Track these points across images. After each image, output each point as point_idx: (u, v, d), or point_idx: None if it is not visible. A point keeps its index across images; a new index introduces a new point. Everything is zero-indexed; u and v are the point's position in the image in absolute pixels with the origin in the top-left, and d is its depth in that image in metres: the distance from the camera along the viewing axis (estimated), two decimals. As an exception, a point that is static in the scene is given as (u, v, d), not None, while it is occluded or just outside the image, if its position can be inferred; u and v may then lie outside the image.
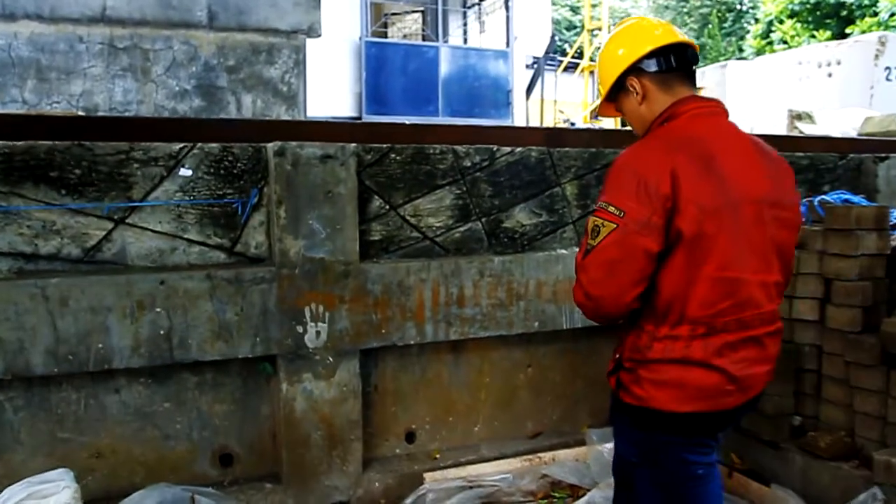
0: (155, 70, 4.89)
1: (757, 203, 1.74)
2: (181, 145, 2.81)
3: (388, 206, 3.14)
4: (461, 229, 3.29)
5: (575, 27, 29.05)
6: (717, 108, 1.85)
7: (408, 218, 3.18)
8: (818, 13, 21.44)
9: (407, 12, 13.12)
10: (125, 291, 2.68)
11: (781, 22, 22.91)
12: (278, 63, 5.16)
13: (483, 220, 3.32)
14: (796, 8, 22.09)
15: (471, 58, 12.05)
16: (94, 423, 2.79)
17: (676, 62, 1.85)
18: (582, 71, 15.79)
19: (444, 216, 3.25)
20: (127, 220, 2.78)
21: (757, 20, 27.09)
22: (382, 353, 3.17)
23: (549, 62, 13.63)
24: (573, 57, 16.67)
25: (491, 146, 3.29)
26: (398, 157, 3.13)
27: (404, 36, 13.34)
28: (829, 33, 20.27)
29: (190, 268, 2.84)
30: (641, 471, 1.85)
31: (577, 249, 1.81)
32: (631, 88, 1.89)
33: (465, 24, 13.38)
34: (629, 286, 1.68)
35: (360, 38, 11.33)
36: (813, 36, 20.79)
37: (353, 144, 2.95)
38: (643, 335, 1.77)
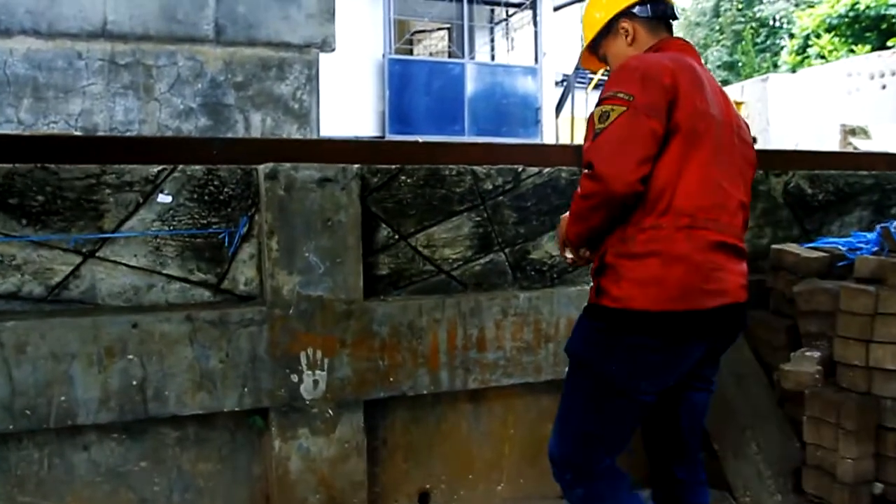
0: (158, 87, 4.60)
1: (731, 127, 1.93)
2: (159, 168, 2.46)
3: (397, 236, 2.75)
4: (481, 261, 2.89)
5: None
6: (692, 47, 2.05)
7: (420, 249, 2.79)
8: (857, 26, 20.82)
9: (432, 30, 12.84)
10: (92, 336, 2.32)
11: (819, 37, 22.37)
12: (289, 79, 4.84)
13: (507, 250, 2.92)
14: (834, 22, 21.52)
15: (498, 75, 11.71)
16: (59, 486, 2.43)
17: (663, 11, 2.07)
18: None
19: (462, 247, 2.85)
20: (97, 254, 2.43)
21: (792, 36, 26.51)
22: (391, 403, 2.77)
23: (579, 79, 13.23)
24: (603, 74, 16.25)
25: (515, 166, 2.90)
26: (409, 180, 2.75)
27: (430, 54, 13.06)
28: (868, 47, 19.65)
29: (169, 308, 2.48)
30: (587, 375, 1.92)
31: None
32: (622, 31, 2.07)
33: (492, 41, 13.04)
34: (636, 164, 1.75)
35: (384, 56, 11.05)
36: (852, 51, 20.20)
37: (357, 166, 2.58)
38: (628, 227, 1.82)
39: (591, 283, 1.96)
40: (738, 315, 1.98)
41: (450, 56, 12.43)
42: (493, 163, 2.88)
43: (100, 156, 2.45)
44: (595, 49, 2.17)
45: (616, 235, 1.85)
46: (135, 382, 2.37)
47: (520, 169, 2.91)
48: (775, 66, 26.25)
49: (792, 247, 3.14)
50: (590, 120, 1.88)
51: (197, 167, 2.51)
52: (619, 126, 1.77)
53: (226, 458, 2.61)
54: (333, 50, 4.99)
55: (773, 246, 3.20)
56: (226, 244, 2.55)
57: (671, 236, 1.79)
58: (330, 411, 2.58)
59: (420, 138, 3.14)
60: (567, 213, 2.01)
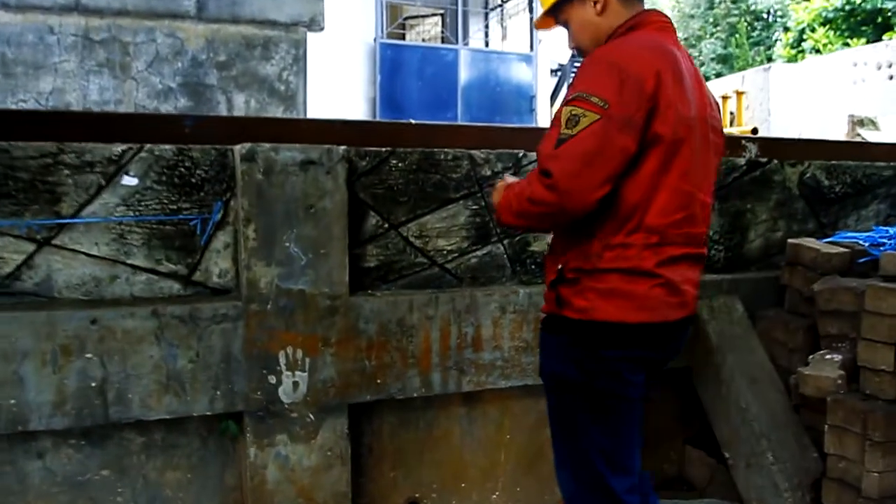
0: (135, 66, 4.34)
1: (706, 122, 1.79)
2: (124, 147, 2.22)
3: (386, 225, 2.52)
4: (478, 253, 2.66)
5: (599, 35, 28.31)
6: (671, 25, 1.85)
7: (412, 239, 2.56)
8: (853, 20, 20.69)
9: (425, 15, 12.56)
10: (45, 333, 2.09)
11: (814, 30, 22.26)
12: (275, 59, 4.58)
13: (505, 242, 2.69)
14: (830, 15, 21.41)
15: (492, 61, 11.44)
16: (10, 496, 2.20)
17: None
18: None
19: (458, 237, 2.62)
20: (54, 242, 2.19)
21: (787, 29, 26.39)
22: (378, 407, 2.55)
23: (574, 67, 12.98)
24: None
25: (516, 151, 2.67)
26: (400, 164, 2.51)
27: (423, 41, 12.78)
28: (864, 41, 19.52)
29: (133, 302, 2.24)
30: (574, 392, 1.79)
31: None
32: None
33: (486, 27, 12.77)
34: (600, 183, 1.61)
35: (375, 40, 10.76)
36: (847, 44, 20.08)
37: (343, 147, 2.35)
38: (594, 243, 1.71)
39: (546, 291, 1.84)
40: (689, 326, 1.92)
41: (443, 42, 12.15)
42: (492, 147, 2.65)
43: (58, 133, 2.20)
44: (556, 12, 1.91)
45: (579, 250, 1.74)
46: (94, 384, 2.14)
47: (521, 154, 2.68)
48: (769, 59, 26.05)
49: (810, 241, 2.93)
50: (556, 118, 1.68)
51: (166, 147, 2.27)
52: (587, 138, 1.59)
53: (196, 466, 2.39)
54: (322, 29, 4.74)
55: (790, 240, 2.99)
56: (198, 232, 2.31)
57: (639, 254, 1.70)
58: (311, 416, 2.36)
59: (413, 120, 2.90)
60: (506, 181, 1.89)
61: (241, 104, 4.50)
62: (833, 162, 3.31)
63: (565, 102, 1.67)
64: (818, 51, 21.06)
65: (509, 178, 1.94)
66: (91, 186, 2.20)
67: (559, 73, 13.14)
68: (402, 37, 12.41)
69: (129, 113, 3.85)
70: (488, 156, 2.62)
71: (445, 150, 2.56)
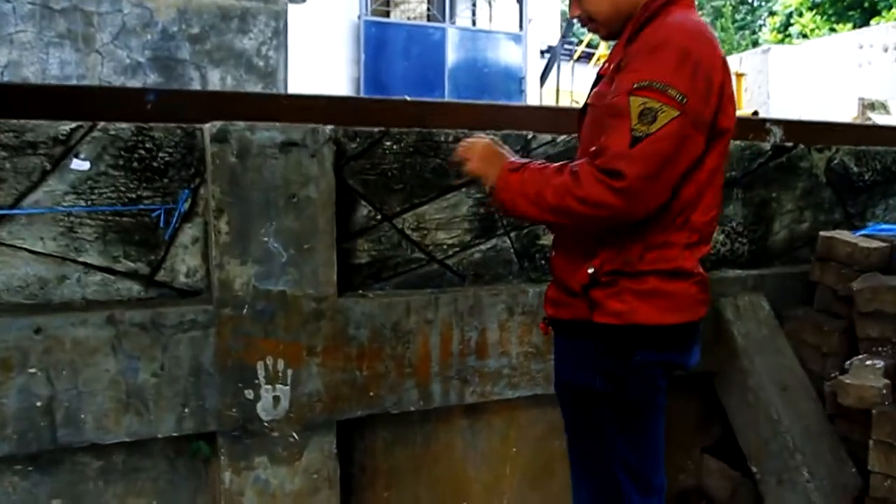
0: (100, 38, 3.96)
1: None
2: (73, 125, 1.90)
3: (379, 216, 2.22)
4: (482, 248, 2.37)
5: (584, 18, 28.07)
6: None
7: (408, 232, 2.26)
8: (840, 4, 20.56)
9: (411, -7, 12.15)
10: (-21, 344, 1.77)
11: (801, 14, 22.14)
12: (253, 32, 4.22)
13: (513, 234, 2.40)
14: (817, 0, 21.29)
15: (480, 41, 11.07)
16: (-56, 532, 1.89)
17: None
18: (598, 60, 14.80)
19: (460, 230, 2.33)
20: (-10, 236, 1.87)
21: (772, 13, 26.27)
22: (371, 422, 2.26)
23: (564, 48, 12.64)
24: (587, 46, 15.70)
25: (524, 133, 2.37)
26: (395, 147, 2.21)
27: (408, 19, 12.37)
28: (850, 25, 19.39)
29: (85, 307, 1.93)
30: (601, 403, 1.63)
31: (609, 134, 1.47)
32: None
33: (473, 5, 12.36)
34: (669, 187, 1.48)
35: (359, 17, 10.35)
36: (833, 29, 19.98)
37: (330, 127, 2.04)
38: (633, 243, 1.55)
39: (565, 295, 1.67)
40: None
41: (429, 20, 11.76)
42: (497, 128, 2.35)
43: (-8, 107, 1.87)
44: None
45: (614, 250, 1.58)
46: (39, 403, 1.83)
47: (529, 136, 2.38)
48: (755, 43, 25.91)
49: (844, 235, 2.67)
50: (619, 107, 1.47)
51: (123, 125, 1.94)
52: (666, 137, 1.43)
53: (163, 492, 2.09)
54: (304, 0, 4.38)
55: (822, 234, 2.72)
56: (161, 225, 1.99)
57: (680, 254, 1.59)
58: (294, 435, 2.06)
59: (409, 97, 2.59)
60: (483, 141, 1.68)
61: (217, 80, 4.15)
62: (862, 147, 3.04)
63: (631, 91, 1.45)
64: (805, 35, 20.93)
65: (481, 136, 1.73)
66: (34, 171, 1.87)
67: (549, 55, 12.81)
68: (387, 14, 12.00)
69: (80, 85, 3.49)
70: (493, 137, 2.32)
71: (446, 130, 2.26)
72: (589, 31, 1.78)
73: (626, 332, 1.59)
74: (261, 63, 4.27)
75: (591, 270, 1.60)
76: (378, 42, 10.27)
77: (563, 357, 1.73)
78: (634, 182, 1.42)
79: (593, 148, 1.50)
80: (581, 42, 16.21)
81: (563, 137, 2.41)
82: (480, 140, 1.71)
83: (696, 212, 1.58)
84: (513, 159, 1.64)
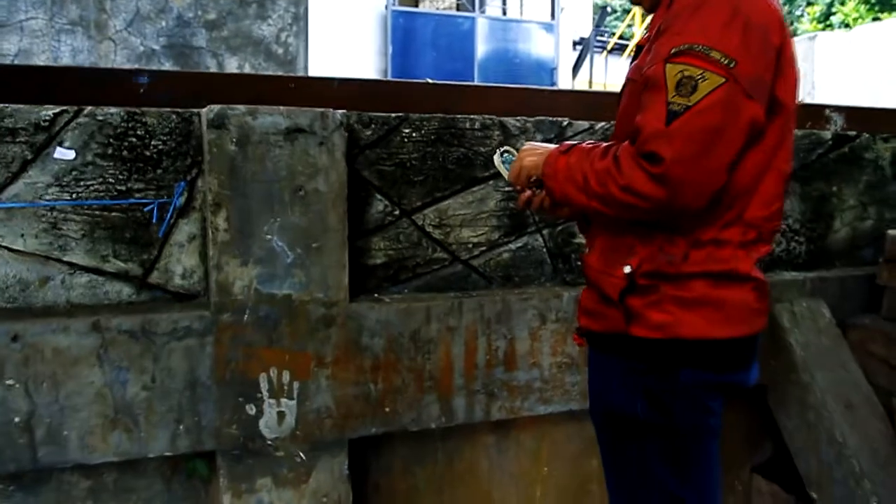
0: (113, 24, 3.80)
1: None
2: (57, 110, 1.71)
3: (397, 212, 2.00)
4: (511, 247, 2.14)
5: (615, 11, 27.69)
6: None
7: (428, 229, 2.04)
8: (886, -9, 19.89)
9: (440, -17, 11.89)
10: (-50, 353, 1.59)
11: (843, 3, 21.51)
12: (272, 18, 4.03)
13: (545, 232, 2.17)
14: (861, -12, 20.64)
15: (511, 31, 10.77)
16: (-81, 557, 1.73)
17: None
18: (631, 51, 14.43)
19: (487, 227, 2.10)
20: (-35, 233, 1.69)
21: (811, 3, 25.60)
22: (387, 440, 2.05)
23: (597, 40, 12.31)
24: (620, 38, 15.33)
25: (559, 119, 2.14)
26: (415, 135, 1.99)
27: (437, 9, 12.12)
28: (896, 14, 18.73)
29: (69, 311, 1.74)
30: (643, 433, 1.38)
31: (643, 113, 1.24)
32: None
33: (503, -3, 12.09)
34: (723, 170, 1.22)
35: (387, 7, 10.13)
36: (877, 18, 19.31)
37: (342, 112, 1.82)
38: (678, 239, 1.31)
39: (599, 303, 1.42)
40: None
41: (458, 10, 11.50)
42: (530, 114, 2.12)
43: (-34, 90, 1.69)
44: None
45: (655, 248, 1.35)
46: (17, 419, 1.65)
47: (565, 123, 2.14)
48: (794, 33, 25.21)
49: (917, 233, 2.39)
50: (654, 78, 1.24)
51: (112, 110, 1.75)
52: (711, 109, 1.19)
53: (158, 514, 1.90)
54: (326, -16, 4.17)
55: (889, 232, 2.45)
56: (154, 220, 1.80)
57: (734, 254, 1.33)
58: (301, 455, 1.86)
59: (431, 80, 2.36)
60: (541, 146, 1.47)
61: (234, 68, 3.97)
62: (933, 136, 2.75)
63: (668, 57, 1.22)
64: (847, 25, 20.30)
65: (535, 145, 1.52)
66: (13, 161, 1.69)
67: (581, 46, 12.49)
68: (415, 4, 11.77)
69: (64, 66, 3.32)
70: (525, 124, 2.09)
71: (472, 116, 2.03)
72: (632, 3, 1.54)
73: (669, 348, 1.35)
74: (280, 50, 4.07)
75: (627, 270, 1.36)
76: (406, 33, 10.04)
77: (598, 376, 1.50)
78: (673, 167, 1.18)
79: (631, 128, 1.28)
80: (614, 34, 15.86)
81: (602, 124, 2.17)
82: (531, 145, 1.52)
83: (753, 203, 1.33)
84: (562, 144, 1.43)
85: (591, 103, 2.25)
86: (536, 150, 1.46)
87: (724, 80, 1.18)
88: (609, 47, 14.75)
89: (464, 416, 2.01)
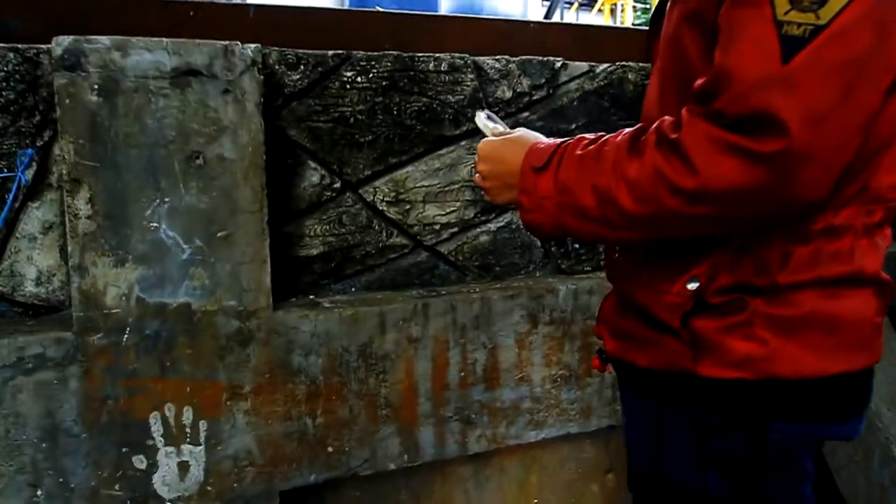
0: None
1: None
2: None
3: (338, 184, 1.50)
4: (491, 227, 1.65)
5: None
6: None
7: (381, 207, 1.54)
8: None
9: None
10: None
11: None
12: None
13: (534, 207, 1.68)
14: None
15: (476, -17, 10.18)
16: None
17: None
18: (601, 7, 13.86)
19: (458, 202, 1.61)
20: None
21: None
22: (332, 487, 1.56)
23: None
24: (588, -7, 14.80)
25: (551, 59, 1.64)
26: (360, 80, 1.47)
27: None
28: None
29: None
30: None
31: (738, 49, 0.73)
32: None
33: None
34: (862, 128, 0.73)
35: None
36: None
37: (254, 47, 1.30)
38: (770, 236, 0.83)
39: (642, 326, 0.94)
40: None
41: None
42: (512, 52, 1.61)
43: None
44: None
45: (733, 248, 0.88)
46: None
47: (558, 64, 1.65)
48: None
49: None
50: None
51: (-84, 45, 1.21)
52: (859, 28, 0.72)
53: None
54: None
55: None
56: (-11, 204, 1.27)
57: (856, 247, 0.87)
58: (214, 517, 1.37)
59: (381, 8, 1.83)
60: (517, 135, 0.96)
61: None
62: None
63: None
64: None
65: (495, 127, 1.04)
66: None
67: (550, 1, 11.92)
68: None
69: None
70: (507, 65, 1.59)
71: (437, 55, 1.52)
72: None
73: (758, 393, 0.89)
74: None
75: (692, 286, 0.88)
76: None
77: (644, 430, 1.02)
78: (801, 135, 0.70)
79: (700, 81, 0.77)
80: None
81: (605, 66, 1.68)
82: (483, 141, 0.98)
83: (883, 167, 0.86)
84: (538, 143, 0.91)
85: (588, 39, 1.75)
86: (498, 152, 0.95)
87: None
88: (575, 6, 14.23)
89: (433, 452, 1.54)
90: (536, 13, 11.68)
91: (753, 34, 0.73)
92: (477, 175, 0.98)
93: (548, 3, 12.31)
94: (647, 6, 16.84)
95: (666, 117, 0.79)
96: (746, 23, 0.74)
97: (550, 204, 0.86)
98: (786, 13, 0.72)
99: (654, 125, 0.79)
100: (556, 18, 11.65)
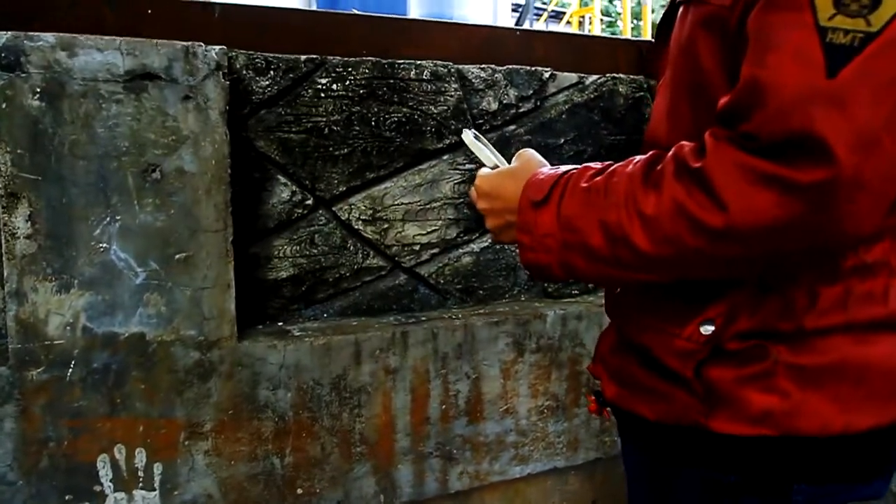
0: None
1: None
2: None
3: (310, 201, 1.38)
4: (474, 248, 1.54)
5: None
6: None
7: (357, 226, 1.42)
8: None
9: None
10: None
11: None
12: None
13: (519, 226, 1.58)
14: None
15: (446, -8, 10.14)
16: None
17: None
18: (569, 19, 13.90)
19: (440, 221, 1.50)
20: None
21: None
22: (301, 529, 1.44)
23: (536, 7, 11.73)
24: (556, 5, 14.82)
25: (538, 69, 1.54)
26: (336, 87, 1.36)
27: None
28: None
29: None
30: None
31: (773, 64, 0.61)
32: None
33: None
34: None
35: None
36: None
37: (220, 49, 1.18)
38: (798, 277, 0.73)
39: (649, 374, 0.82)
40: None
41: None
42: (497, 61, 1.51)
43: None
44: None
45: (752, 287, 0.77)
46: None
47: (546, 75, 1.55)
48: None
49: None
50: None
51: None
52: None
53: None
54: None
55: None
56: (-87, 221, 1.12)
57: (889, 287, 0.75)
58: (169, 569, 1.23)
59: (358, 10, 1.72)
60: (518, 164, 0.85)
61: None
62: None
63: None
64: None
65: (482, 149, 0.92)
66: None
67: (520, 11, 11.93)
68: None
69: None
70: (493, 75, 1.48)
71: (418, 62, 1.41)
72: None
73: (779, 451, 0.79)
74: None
75: (707, 329, 0.77)
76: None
77: (648, 490, 0.90)
78: (854, 159, 0.60)
79: (725, 98, 0.67)
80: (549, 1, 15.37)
81: (594, 78, 1.59)
82: (480, 176, 0.87)
83: None
84: (538, 174, 0.80)
85: (577, 48, 1.65)
86: (495, 187, 0.84)
87: None
88: (546, 12, 14.25)
89: (410, 492, 1.42)
90: (506, 23, 11.68)
91: (792, 42, 0.62)
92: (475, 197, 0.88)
93: (517, 14, 12.31)
94: (613, 19, 16.96)
95: (685, 142, 0.68)
96: (783, 29, 0.63)
97: (553, 242, 0.75)
98: (830, 18, 0.61)
99: (672, 152, 0.69)
100: (526, 25, 11.68)
